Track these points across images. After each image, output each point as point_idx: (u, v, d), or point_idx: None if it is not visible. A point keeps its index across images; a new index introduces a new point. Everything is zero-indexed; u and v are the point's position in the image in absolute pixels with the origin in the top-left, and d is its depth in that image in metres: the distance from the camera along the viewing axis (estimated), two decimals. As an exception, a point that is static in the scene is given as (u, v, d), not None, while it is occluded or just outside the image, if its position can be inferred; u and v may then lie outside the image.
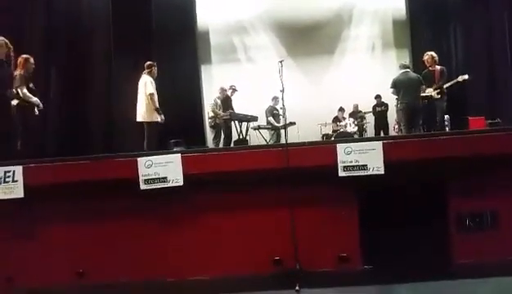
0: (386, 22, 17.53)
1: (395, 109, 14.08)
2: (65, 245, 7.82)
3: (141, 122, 10.57)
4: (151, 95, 9.77)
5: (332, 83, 17.06)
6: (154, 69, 10.23)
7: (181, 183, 7.61)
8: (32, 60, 9.22)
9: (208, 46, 17.67)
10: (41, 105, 9.13)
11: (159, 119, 9.91)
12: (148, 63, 10.20)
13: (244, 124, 12.86)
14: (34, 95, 9.11)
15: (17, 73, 8.94)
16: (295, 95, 13.67)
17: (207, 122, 13.53)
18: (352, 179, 7.49)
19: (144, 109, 9.93)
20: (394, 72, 13.35)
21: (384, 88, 12.94)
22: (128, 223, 7.75)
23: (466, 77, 10.13)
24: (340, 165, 7.52)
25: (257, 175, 7.51)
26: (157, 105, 9.79)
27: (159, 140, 10.27)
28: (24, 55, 9.20)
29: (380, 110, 15.86)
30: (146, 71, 10.09)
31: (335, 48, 17.59)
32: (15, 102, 8.78)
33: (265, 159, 7.57)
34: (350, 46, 17.64)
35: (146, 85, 9.89)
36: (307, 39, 17.11)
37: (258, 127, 13.48)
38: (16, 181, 7.66)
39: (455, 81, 10.36)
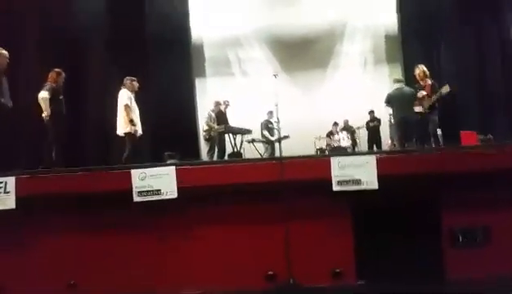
0: (378, 37, 17.59)
1: (388, 124, 14.19)
2: (57, 256, 7.75)
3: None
4: (125, 106, 9.65)
5: (326, 97, 17.07)
6: (134, 83, 10.06)
7: (175, 195, 7.57)
8: (63, 74, 9.30)
9: (202, 59, 17.60)
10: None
11: (132, 130, 9.75)
12: (126, 77, 10.08)
13: (239, 137, 12.81)
14: (61, 108, 9.11)
15: (48, 85, 8.99)
16: (290, 108, 13.16)
17: (201, 135, 13.34)
18: (346, 193, 7.50)
19: (121, 121, 9.84)
20: (387, 86, 13.44)
21: (377, 103, 12.92)
22: (121, 235, 7.70)
23: (448, 89, 10.17)
24: (334, 179, 7.52)
25: (251, 188, 7.49)
26: (131, 117, 9.65)
27: (137, 151, 9.99)
28: (57, 69, 9.29)
29: (373, 125, 15.96)
30: (126, 84, 9.96)
31: (328, 63, 17.64)
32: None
33: (259, 172, 7.55)
34: (343, 61, 17.66)
35: (122, 97, 9.79)
36: (301, 54, 17.14)
37: (253, 141, 13.38)
38: (8, 193, 7.60)
39: (438, 94, 10.39)
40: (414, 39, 16.11)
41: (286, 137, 13.05)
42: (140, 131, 9.80)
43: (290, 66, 17.24)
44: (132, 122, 9.49)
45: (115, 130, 9.59)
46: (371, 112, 16.05)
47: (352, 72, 17.42)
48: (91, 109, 13.11)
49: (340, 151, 13.50)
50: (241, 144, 12.70)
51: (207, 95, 16.68)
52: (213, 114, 12.58)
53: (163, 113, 13.91)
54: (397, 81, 11.76)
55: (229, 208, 7.70)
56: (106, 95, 11.39)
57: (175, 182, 7.60)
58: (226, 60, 17.66)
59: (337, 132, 15.50)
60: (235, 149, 12.26)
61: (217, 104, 13.00)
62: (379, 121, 15.89)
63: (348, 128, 16.00)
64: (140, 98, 9.99)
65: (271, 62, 17.38)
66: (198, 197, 7.58)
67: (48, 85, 9.02)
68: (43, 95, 8.86)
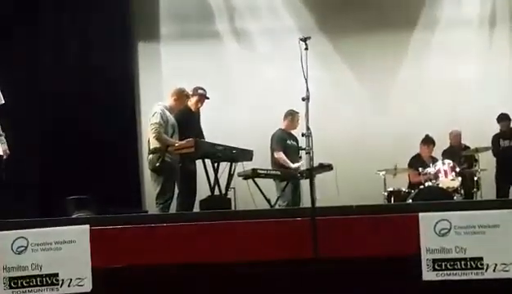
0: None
1: None
2: None
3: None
4: None
5: (408, 89, 10.66)
6: None
7: (88, 286, 4.45)
8: None
9: (154, 7, 11.21)
10: None
11: None
12: None
13: (225, 166, 7.88)
14: None
15: None
16: (332, 108, 9.56)
17: (145, 158, 8.65)
18: (451, 286, 4.36)
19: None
20: None
21: None
22: None
23: None
24: (426, 257, 4.36)
25: (247, 274, 4.46)
26: None
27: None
28: None
29: (509, 146, 10.13)
30: None
31: (416, 18, 11.59)
32: None
33: (266, 242, 4.39)
34: (445, 16, 10.78)
35: None
36: (358, 3, 10.58)
37: (255, 174, 8.25)
38: None
39: None
40: None
41: (326, 168, 8.08)
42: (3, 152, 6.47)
43: (335, 24, 10.73)
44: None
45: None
46: (504, 118, 9.87)
47: (463, 39, 10.84)
48: None
49: (439, 199, 7.73)
50: (230, 181, 7.85)
51: (161, 79, 10.76)
52: (171, 116, 7.64)
53: (68, 112, 9.42)
54: None
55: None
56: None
57: (89, 258, 4.45)
58: (205, 9, 11.44)
59: (431, 159, 9.79)
60: (218, 191, 7.60)
61: (181, 95, 8.20)
62: None
63: (455, 151, 9.80)
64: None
65: (295, 15, 10.78)
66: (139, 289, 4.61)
67: None
68: None
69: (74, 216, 6.51)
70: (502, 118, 9.42)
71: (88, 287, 4.30)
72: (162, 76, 10.39)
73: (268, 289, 4.36)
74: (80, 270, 4.31)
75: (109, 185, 8.68)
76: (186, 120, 7.25)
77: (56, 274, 4.32)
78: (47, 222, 4.53)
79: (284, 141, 8.26)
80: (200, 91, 7.53)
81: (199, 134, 7.48)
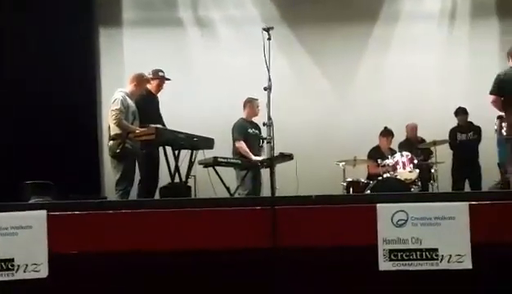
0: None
1: (496, 137, 8.54)
2: None
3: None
4: None
5: (368, 81, 10.70)
6: None
7: (44, 272, 4.29)
8: None
9: None
10: None
11: None
12: None
13: (186, 154, 7.80)
14: None
15: None
16: (293, 98, 9.57)
17: (105, 145, 8.52)
18: (406, 276, 4.31)
19: None
20: (495, 61, 9.58)
21: (474, 94, 9.14)
22: None
23: None
24: (383, 247, 4.30)
25: (205, 262, 4.34)
26: None
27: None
28: None
29: (466, 140, 9.92)
30: None
31: (378, 11, 10.81)
32: None
33: (225, 230, 4.29)
34: (407, 9, 10.91)
35: None
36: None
37: (215, 162, 7.91)
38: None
39: None
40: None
41: (286, 157, 8.02)
42: None
43: (298, 15, 10.64)
44: None
45: None
46: (461, 112, 9.97)
47: (424, 32, 10.97)
48: None
49: (396, 191, 7.85)
50: (190, 169, 7.76)
51: (124, 64, 10.52)
52: (131, 102, 7.42)
53: (28, 98, 9.20)
54: None
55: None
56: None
57: (46, 244, 4.30)
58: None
59: (390, 151, 9.53)
60: (178, 178, 7.49)
61: (140, 80, 8.04)
62: (477, 131, 9.94)
63: (412, 144, 9.78)
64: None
65: (259, 5, 10.87)
66: (97, 275, 4.42)
67: None
68: None
69: (31, 202, 6.27)
70: (460, 111, 9.53)
71: (44, 272, 4.20)
72: (123, 62, 10.18)
73: (226, 277, 4.30)
74: (36, 256, 4.20)
75: (68, 171, 8.49)
76: (146, 105, 7.14)
77: (12, 260, 4.20)
78: (3, 207, 4.40)
79: (245, 130, 8.18)
80: (161, 74, 7.43)
81: (160, 119, 7.39)
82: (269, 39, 4.63)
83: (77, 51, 9.79)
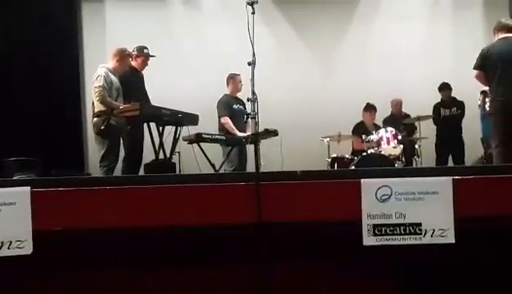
0: None
1: (479, 113, 8.35)
2: None
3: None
4: None
5: (353, 57, 10.63)
6: None
7: (28, 249, 4.16)
8: None
9: None
10: None
11: None
12: None
13: (171, 130, 7.50)
14: None
15: None
16: (278, 73, 9.68)
17: (89, 121, 7.90)
18: (390, 251, 4.24)
19: None
20: (479, 37, 9.63)
21: (457, 70, 9.15)
22: None
23: None
24: (367, 222, 4.21)
25: (189, 238, 4.26)
26: None
27: None
28: None
29: (449, 115, 9.86)
30: None
31: None
32: None
33: (209, 206, 4.18)
34: None
35: None
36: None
37: (199, 138, 7.67)
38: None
39: None
40: None
41: (271, 133, 8.06)
42: None
43: None
44: None
45: None
46: (445, 87, 9.82)
47: (408, 13, 10.84)
48: None
49: (380, 166, 7.46)
50: (175, 145, 7.70)
51: (106, 39, 10.26)
52: (114, 78, 7.19)
53: (11, 74, 9.21)
54: (505, 27, 7.03)
55: (147, 274, 4.39)
56: None
57: (30, 221, 4.15)
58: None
59: (375, 127, 9.41)
60: (162, 155, 7.41)
61: (123, 55, 7.92)
62: (460, 106, 9.84)
63: (396, 120, 9.73)
64: None
65: None
66: (83, 252, 4.35)
67: None
68: None
69: (14, 178, 6.10)
70: (443, 87, 9.57)
71: (29, 249, 4.08)
72: (106, 37, 10.08)
73: (211, 253, 4.25)
74: (20, 233, 4.07)
75: (52, 148, 8.47)
76: (131, 82, 7.08)
77: None
78: (-15, 183, 4.19)
79: (230, 106, 8.18)
80: (146, 51, 7.37)
81: (144, 96, 7.34)
82: (253, 13, 4.55)
83: (59, 26, 9.72)
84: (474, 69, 6.53)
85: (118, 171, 7.07)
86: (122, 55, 7.07)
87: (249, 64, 4.58)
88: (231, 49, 9.04)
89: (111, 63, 7.02)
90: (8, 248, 4.08)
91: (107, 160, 6.69)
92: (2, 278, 4.29)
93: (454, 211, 4.04)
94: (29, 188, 4.13)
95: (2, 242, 4.06)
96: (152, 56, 7.56)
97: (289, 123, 9.25)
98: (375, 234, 4.09)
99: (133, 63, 7.36)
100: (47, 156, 7.66)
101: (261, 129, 6.45)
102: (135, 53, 7.39)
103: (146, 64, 7.52)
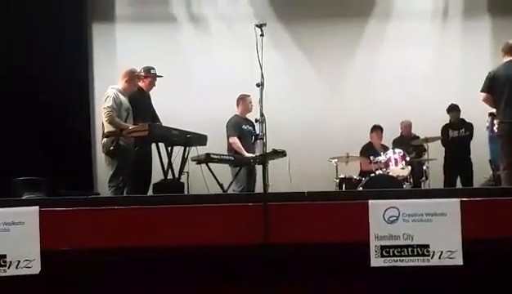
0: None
1: (488, 134, 8.61)
2: None
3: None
4: None
5: (361, 78, 10.67)
6: None
7: (36, 269, 4.20)
8: None
9: None
10: None
11: None
12: None
13: (179, 150, 7.55)
14: None
15: None
16: (286, 95, 9.69)
17: (98, 141, 8.43)
18: (398, 273, 4.25)
19: None
20: (487, 60, 9.51)
21: (466, 92, 9.02)
22: None
23: None
24: (375, 244, 4.24)
25: (197, 258, 4.29)
26: None
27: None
28: None
29: (458, 136, 9.84)
30: None
31: (371, 8, 10.77)
32: None
33: (217, 226, 4.22)
34: (399, 7, 10.87)
35: None
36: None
37: (208, 159, 7.70)
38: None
39: None
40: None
41: (279, 154, 7.94)
42: None
43: (291, 12, 10.64)
44: None
45: None
46: (453, 109, 9.85)
47: (417, 30, 10.90)
48: None
49: (389, 187, 7.42)
50: (183, 165, 7.61)
51: (116, 61, 10.32)
52: (124, 99, 7.27)
53: (21, 94, 9.15)
54: (510, 49, 6.99)
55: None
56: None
57: (38, 241, 4.21)
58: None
59: (383, 148, 9.48)
60: (171, 174, 7.32)
61: (132, 76, 7.81)
62: (469, 128, 9.81)
63: (406, 141, 9.76)
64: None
65: (252, 1, 10.81)
66: (89, 272, 4.33)
67: None
68: None
69: (23, 198, 6.13)
70: (452, 108, 9.52)
71: (37, 269, 4.13)
72: (116, 59, 10.05)
73: (219, 273, 4.25)
74: (29, 252, 4.12)
75: (60, 168, 8.37)
76: (138, 102, 7.03)
77: (4, 256, 4.14)
78: (-6, 203, 4.23)
79: (239, 127, 8.17)
80: (153, 71, 7.35)
81: (153, 116, 7.33)
82: (262, 36, 4.57)
83: (69, 48, 9.68)
84: (482, 91, 6.53)
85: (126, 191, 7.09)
86: (131, 76, 7.04)
87: (258, 85, 4.58)
88: (239, 70, 9.03)
89: (120, 83, 7.00)
90: (16, 268, 4.11)
91: (116, 180, 6.66)
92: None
93: (462, 232, 4.03)
94: (37, 208, 4.17)
95: (11, 262, 4.09)
96: (159, 77, 7.54)
97: (298, 144, 9.17)
98: (383, 256, 4.08)
99: (141, 84, 7.32)
100: (56, 176, 7.63)
101: (269, 150, 6.41)
102: (142, 74, 7.35)
103: (154, 85, 7.50)
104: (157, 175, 7.22)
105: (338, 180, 8.44)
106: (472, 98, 7.49)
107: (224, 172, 7.95)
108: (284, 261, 4.08)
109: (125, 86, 6.87)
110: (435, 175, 9.21)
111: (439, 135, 9.55)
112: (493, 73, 6.45)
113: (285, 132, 8.89)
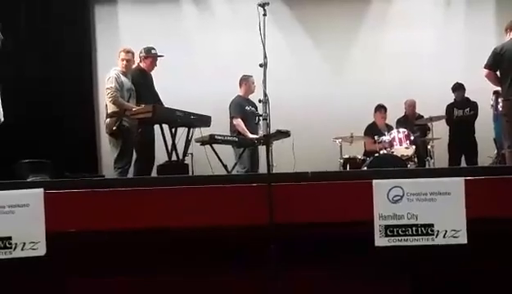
0: None
1: (492, 112, 8.41)
2: None
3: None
4: None
5: (365, 58, 10.53)
6: None
7: (41, 251, 4.14)
8: None
9: None
10: None
11: None
12: None
13: (183, 131, 7.44)
14: None
15: None
16: (290, 75, 9.66)
17: (102, 123, 7.85)
18: (402, 252, 4.19)
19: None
20: (492, 37, 9.36)
21: (470, 71, 8.78)
22: None
23: None
24: (379, 223, 4.14)
25: (201, 239, 4.24)
26: None
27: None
28: None
29: (463, 115, 9.71)
30: None
31: None
32: None
33: (221, 207, 4.15)
34: None
35: None
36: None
37: (212, 140, 7.62)
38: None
39: None
40: None
41: (283, 134, 7.96)
42: None
43: None
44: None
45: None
46: (458, 87, 9.66)
47: (422, 10, 10.71)
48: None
49: (393, 167, 7.13)
50: (187, 146, 7.67)
51: (119, 41, 10.04)
52: (126, 80, 7.08)
53: (24, 77, 9.09)
54: None
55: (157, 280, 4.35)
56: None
57: (43, 222, 4.13)
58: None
59: (387, 128, 9.35)
60: (175, 156, 7.35)
61: (127, 54, 7.79)
62: (473, 107, 9.67)
63: (410, 120, 9.65)
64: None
65: None
66: (95, 254, 4.30)
67: None
68: None
69: (28, 180, 6.02)
70: (457, 87, 9.48)
71: (42, 250, 4.09)
72: (119, 40, 10.02)
73: (223, 254, 4.24)
74: (34, 234, 4.08)
75: (65, 150, 8.39)
76: (140, 83, 7.06)
77: (10, 238, 4.10)
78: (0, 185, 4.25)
79: (242, 108, 8.16)
80: (153, 51, 7.35)
81: (154, 96, 7.33)
82: (264, 15, 4.52)
83: (72, 29, 9.68)
84: (485, 67, 6.46)
85: (131, 172, 7.08)
86: (124, 55, 7.06)
87: (261, 65, 4.54)
88: (242, 51, 8.99)
89: (119, 64, 7.02)
90: (22, 249, 4.09)
91: (121, 161, 6.66)
92: (15, 278, 4.32)
93: (466, 211, 4.01)
94: (42, 190, 4.14)
95: (16, 244, 4.07)
96: (160, 56, 7.51)
97: (302, 124, 9.13)
98: (387, 235, 4.04)
99: (142, 64, 7.33)
100: (61, 158, 7.62)
101: (273, 130, 6.38)
102: (143, 55, 7.35)
103: (155, 65, 7.47)
104: (161, 156, 7.22)
105: (342, 161, 8.45)
106: (477, 76, 7.45)
107: (228, 153, 7.95)
108: (288, 242, 4.03)
109: (122, 66, 6.89)
110: (440, 154, 9.17)
111: (443, 114, 9.52)
112: (499, 49, 6.38)
113: (288, 113, 8.83)
